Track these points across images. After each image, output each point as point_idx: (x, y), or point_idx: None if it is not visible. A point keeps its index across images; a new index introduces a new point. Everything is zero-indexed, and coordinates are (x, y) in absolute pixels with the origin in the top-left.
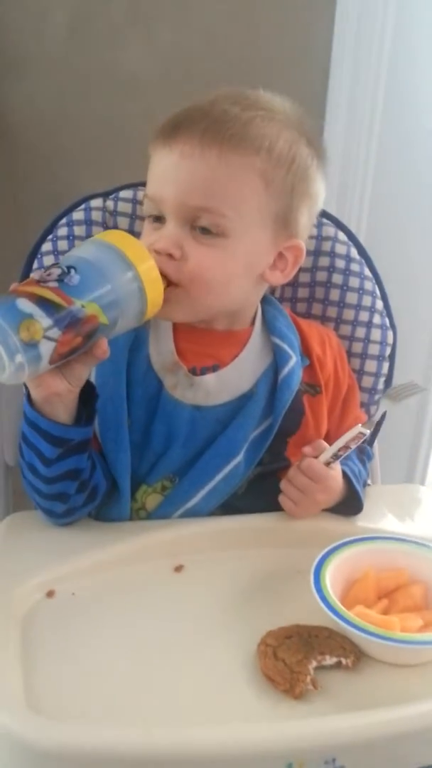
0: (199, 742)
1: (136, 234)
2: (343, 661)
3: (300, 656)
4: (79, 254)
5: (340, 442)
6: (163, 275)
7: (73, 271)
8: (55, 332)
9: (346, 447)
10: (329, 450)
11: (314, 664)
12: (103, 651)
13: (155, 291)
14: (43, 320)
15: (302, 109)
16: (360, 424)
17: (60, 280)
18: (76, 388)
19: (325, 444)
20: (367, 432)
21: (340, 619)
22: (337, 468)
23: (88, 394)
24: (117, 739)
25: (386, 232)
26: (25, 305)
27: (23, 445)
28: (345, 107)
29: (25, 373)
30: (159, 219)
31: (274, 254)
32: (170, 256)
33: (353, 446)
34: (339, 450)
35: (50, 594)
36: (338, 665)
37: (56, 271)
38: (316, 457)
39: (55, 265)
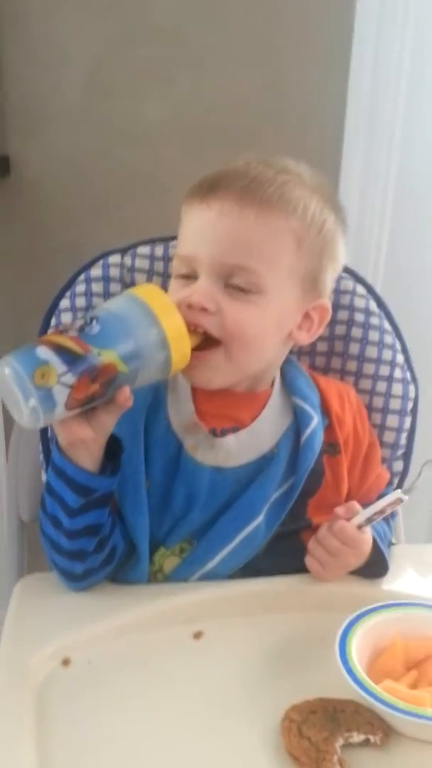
0: None
1: None
2: (372, 738)
3: (326, 733)
4: (106, 306)
5: (376, 507)
6: (202, 331)
7: (94, 321)
8: (69, 378)
9: (381, 512)
10: (363, 513)
11: (341, 741)
12: (119, 724)
13: (180, 344)
14: (59, 366)
15: (322, 175)
16: (399, 490)
17: (80, 329)
18: (101, 436)
19: (359, 507)
20: (406, 498)
21: (368, 694)
22: (368, 532)
23: (113, 448)
24: None
25: (403, 284)
26: (43, 352)
27: (47, 496)
28: (361, 158)
29: (41, 416)
30: (188, 278)
31: (302, 314)
32: (205, 310)
33: (389, 511)
34: (374, 514)
35: (66, 662)
36: (366, 743)
37: (79, 322)
38: (348, 519)
39: (81, 317)
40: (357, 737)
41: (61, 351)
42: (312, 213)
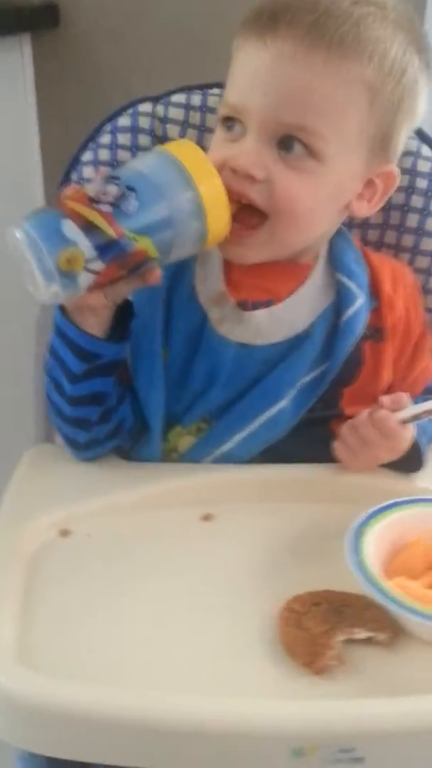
0: (195, 713)
1: None
2: (377, 636)
3: (327, 627)
4: (139, 168)
5: (427, 405)
6: (246, 201)
7: (132, 195)
8: (97, 265)
9: (430, 412)
10: (411, 409)
11: (342, 637)
12: (112, 602)
13: (219, 213)
14: (87, 250)
15: (411, 7)
16: None
17: (116, 205)
18: (112, 304)
19: (408, 400)
20: None
21: (373, 588)
22: (410, 429)
23: (126, 312)
24: (109, 699)
25: None
26: (70, 230)
27: (50, 358)
28: None
29: (60, 298)
30: (234, 126)
31: (365, 181)
32: (251, 177)
33: None
34: (423, 412)
35: (64, 533)
36: (371, 641)
37: (113, 191)
38: (393, 411)
39: (115, 180)
40: (361, 634)
41: (91, 232)
42: (393, 57)
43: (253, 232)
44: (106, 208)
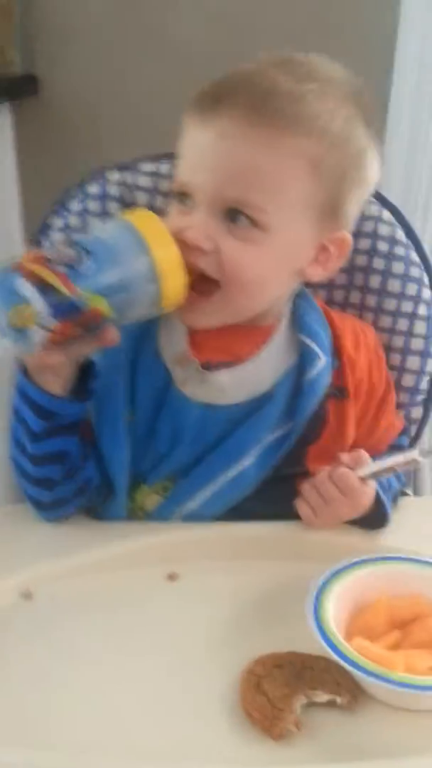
0: None
1: (159, 212)
2: (338, 700)
3: (287, 690)
4: (97, 234)
5: (386, 462)
6: (198, 271)
7: (86, 255)
8: (50, 321)
9: (390, 469)
10: (371, 466)
11: (303, 700)
12: (73, 664)
13: (173, 279)
14: (40, 307)
15: (361, 78)
16: (417, 451)
17: (71, 266)
18: (72, 363)
19: (368, 457)
20: (422, 460)
21: (332, 650)
22: (372, 486)
23: (87, 372)
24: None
25: None
26: (24, 287)
27: (13, 418)
28: (416, 71)
29: (11, 352)
30: (185, 200)
31: (317, 247)
32: (200, 249)
33: (400, 470)
34: (382, 470)
35: (27, 596)
36: (332, 704)
37: (70, 253)
38: (352, 469)
39: (75, 244)
40: (321, 696)
41: (46, 290)
42: (335, 129)
43: (206, 299)
44: (61, 268)
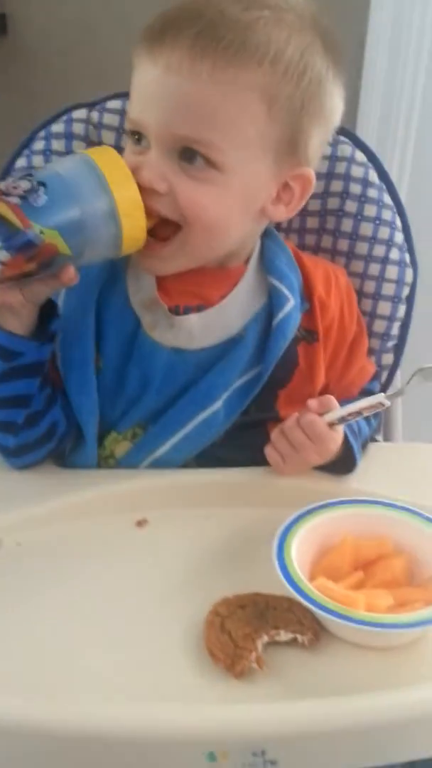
0: (97, 720)
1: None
2: (299, 638)
3: (249, 629)
4: (55, 168)
5: (353, 407)
6: (156, 214)
7: (42, 188)
8: (2, 254)
9: (357, 413)
10: (338, 411)
11: (265, 639)
12: (40, 610)
13: (133, 220)
14: None
15: (317, 5)
16: (383, 394)
17: (24, 197)
18: (32, 304)
19: (335, 402)
20: (388, 404)
21: (295, 589)
22: (340, 431)
23: (50, 315)
24: (23, 707)
25: None
26: None
27: None
28: (390, 16)
29: None
30: (140, 139)
31: (278, 185)
32: (155, 191)
33: (367, 414)
34: (349, 414)
35: None
36: (294, 642)
37: (24, 185)
38: (321, 414)
39: (28, 176)
40: (284, 636)
41: None
42: (287, 59)
43: (165, 243)
44: (14, 200)
